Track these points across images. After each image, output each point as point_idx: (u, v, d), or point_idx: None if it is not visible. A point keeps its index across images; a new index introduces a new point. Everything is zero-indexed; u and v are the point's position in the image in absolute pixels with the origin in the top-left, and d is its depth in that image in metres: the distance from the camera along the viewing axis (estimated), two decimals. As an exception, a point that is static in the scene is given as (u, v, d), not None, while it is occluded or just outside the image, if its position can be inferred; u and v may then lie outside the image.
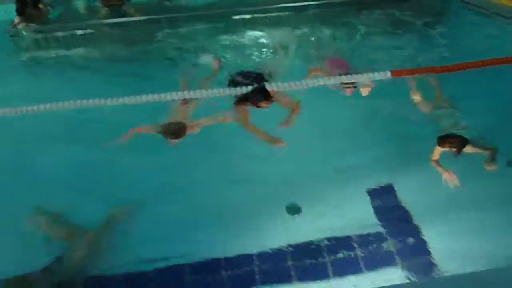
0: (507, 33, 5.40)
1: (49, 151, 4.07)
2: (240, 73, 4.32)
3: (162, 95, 4.05)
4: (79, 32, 6.24)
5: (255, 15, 6.45)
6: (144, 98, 4.03)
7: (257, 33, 6.22)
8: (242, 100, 4.03)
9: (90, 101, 4.03)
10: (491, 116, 3.98)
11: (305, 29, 5.98)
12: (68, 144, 4.13)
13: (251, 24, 6.39)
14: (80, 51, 6.14)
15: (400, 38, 5.66)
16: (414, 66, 4.82)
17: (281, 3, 6.49)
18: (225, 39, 6.13)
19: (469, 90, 4.26)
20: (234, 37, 6.16)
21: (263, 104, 3.89)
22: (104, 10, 7.13)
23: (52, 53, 6.11)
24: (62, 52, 6.14)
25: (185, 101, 4.11)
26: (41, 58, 6.05)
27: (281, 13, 6.47)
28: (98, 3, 7.19)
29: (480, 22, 5.91)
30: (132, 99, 4.03)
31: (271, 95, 3.96)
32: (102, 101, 4.03)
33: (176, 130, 3.74)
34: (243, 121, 3.99)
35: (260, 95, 3.90)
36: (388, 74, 4.32)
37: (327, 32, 5.83)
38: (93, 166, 3.83)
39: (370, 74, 4.28)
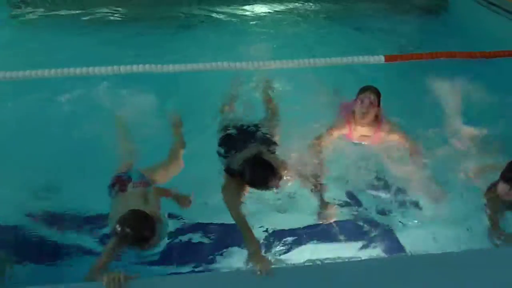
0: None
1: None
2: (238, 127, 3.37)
3: (159, 66, 3.71)
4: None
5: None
6: (135, 68, 3.68)
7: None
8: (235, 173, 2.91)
9: (78, 70, 3.66)
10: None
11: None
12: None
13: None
14: (71, 11, 5.93)
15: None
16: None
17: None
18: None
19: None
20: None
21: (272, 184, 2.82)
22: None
23: (41, 11, 5.89)
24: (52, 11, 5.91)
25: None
26: (29, 16, 5.83)
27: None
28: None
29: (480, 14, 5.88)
30: (123, 68, 3.83)
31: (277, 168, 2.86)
32: (90, 69, 3.68)
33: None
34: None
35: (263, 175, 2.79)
36: (382, 58, 4.34)
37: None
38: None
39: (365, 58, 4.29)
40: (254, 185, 2.82)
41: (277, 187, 2.84)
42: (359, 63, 4.29)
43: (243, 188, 2.87)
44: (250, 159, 2.82)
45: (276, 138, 3.32)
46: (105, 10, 5.86)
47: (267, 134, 3.34)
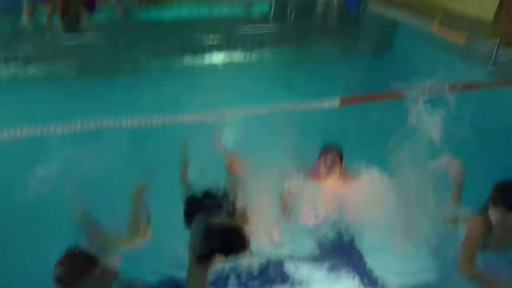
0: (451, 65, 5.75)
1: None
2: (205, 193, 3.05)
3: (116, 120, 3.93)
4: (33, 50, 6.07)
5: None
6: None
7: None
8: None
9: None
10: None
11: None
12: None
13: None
14: (34, 69, 5.98)
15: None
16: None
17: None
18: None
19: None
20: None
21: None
22: (59, 28, 7.05)
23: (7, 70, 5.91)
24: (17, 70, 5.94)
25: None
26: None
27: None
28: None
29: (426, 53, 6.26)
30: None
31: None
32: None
33: None
34: None
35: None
36: (337, 102, 4.55)
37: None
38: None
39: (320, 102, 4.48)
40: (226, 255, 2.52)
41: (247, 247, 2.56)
42: (315, 108, 4.47)
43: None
44: (204, 232, 2.52)
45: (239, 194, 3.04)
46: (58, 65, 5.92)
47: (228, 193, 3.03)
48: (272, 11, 8.37)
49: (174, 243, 2.79)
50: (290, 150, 3.88)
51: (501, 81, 4.96)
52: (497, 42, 5.26)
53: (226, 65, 6.22)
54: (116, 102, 4.60)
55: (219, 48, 6.32)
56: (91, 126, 3.61)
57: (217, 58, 6.31)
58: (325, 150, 3.38)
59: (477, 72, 5.27)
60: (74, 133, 3.57)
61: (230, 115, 4.10)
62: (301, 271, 2.99)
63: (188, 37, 6.38)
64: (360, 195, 3.42)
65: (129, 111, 4.29)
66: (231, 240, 2.51)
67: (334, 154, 3.34)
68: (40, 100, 4.91)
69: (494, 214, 2.49)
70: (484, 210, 2.60)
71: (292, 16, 7.23)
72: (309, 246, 3.17)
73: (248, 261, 2.89)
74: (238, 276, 2.87)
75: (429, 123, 3.53)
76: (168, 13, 8.46)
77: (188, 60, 6.21)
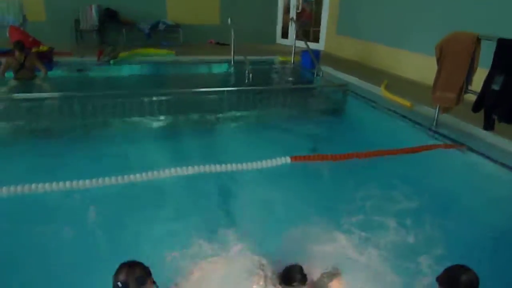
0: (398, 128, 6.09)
1: None
2: None
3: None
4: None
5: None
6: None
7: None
8: None
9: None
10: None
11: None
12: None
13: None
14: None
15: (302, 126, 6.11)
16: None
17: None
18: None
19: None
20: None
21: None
22: (14, 83, 6.95)
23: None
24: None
25: None
26: None
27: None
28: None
29: (375, 115, 6.62)
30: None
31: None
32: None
33: None
34: None
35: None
36: (288, 159, 4.64)
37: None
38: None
39: (272, 161, 4.55)
40: None
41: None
42: (266, 166, 4.53)
43: None
44: None
45: None
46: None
47: None
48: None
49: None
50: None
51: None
52: (437, 108, 5.67)
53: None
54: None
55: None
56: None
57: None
58: (288, 280, 2.90)
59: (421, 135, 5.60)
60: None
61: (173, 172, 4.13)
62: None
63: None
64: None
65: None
66: None
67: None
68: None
69: None
70: None
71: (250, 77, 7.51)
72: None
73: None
74: None
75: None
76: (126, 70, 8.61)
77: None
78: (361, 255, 3.37)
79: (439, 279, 2.57)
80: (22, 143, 5.38)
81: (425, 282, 3.04)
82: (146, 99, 6.17)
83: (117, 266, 2.27)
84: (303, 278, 2.90)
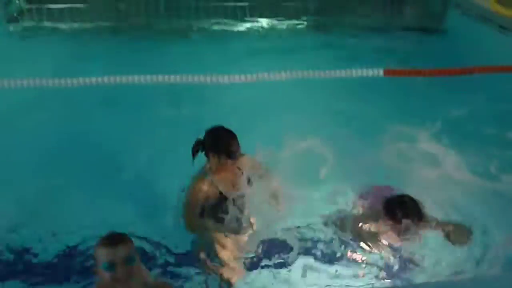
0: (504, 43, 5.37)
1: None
2: None
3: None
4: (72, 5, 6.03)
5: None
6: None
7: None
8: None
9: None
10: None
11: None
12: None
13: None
14: (74, 24, 5.97)
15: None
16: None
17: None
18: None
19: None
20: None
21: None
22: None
23: (45, 24, 5.93)
24: (55, 24, 5.96)
25: None
26: (33, 29, 5.87)
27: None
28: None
29: (478, 30, 5.87)
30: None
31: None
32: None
33: None
34: None
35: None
36: (381, 72, 4.34)
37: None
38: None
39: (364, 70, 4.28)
40: (216, 149, 2.59)
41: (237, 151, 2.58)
42: (357, 76, 4.28)
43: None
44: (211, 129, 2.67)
45: None
46: (103, 22, 5.89)
47: None
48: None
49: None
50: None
51: None
52: None
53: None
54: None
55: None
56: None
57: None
58: (404, 216, 2.67)
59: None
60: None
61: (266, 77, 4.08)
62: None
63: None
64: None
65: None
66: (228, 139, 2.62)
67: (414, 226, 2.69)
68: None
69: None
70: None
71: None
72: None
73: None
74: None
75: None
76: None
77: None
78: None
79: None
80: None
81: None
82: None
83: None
84: (420, 216, 2.61)
